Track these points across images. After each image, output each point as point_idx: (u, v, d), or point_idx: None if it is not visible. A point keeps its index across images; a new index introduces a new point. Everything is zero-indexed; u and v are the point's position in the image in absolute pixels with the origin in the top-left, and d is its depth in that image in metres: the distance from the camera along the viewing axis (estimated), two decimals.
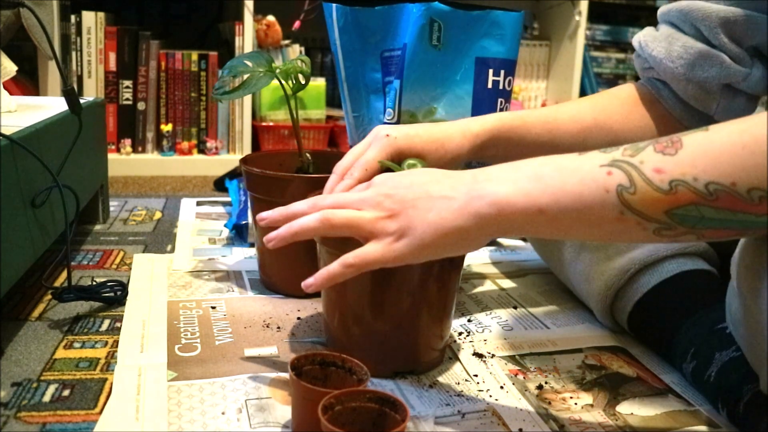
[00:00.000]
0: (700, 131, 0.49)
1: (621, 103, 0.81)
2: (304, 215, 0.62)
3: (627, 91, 0.82)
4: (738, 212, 0.47)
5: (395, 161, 0.71)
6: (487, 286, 1.00)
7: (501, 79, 0.87)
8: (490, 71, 0.86)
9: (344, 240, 0.66)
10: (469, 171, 0.58)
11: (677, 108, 0.78)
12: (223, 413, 0.63)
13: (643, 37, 0.79)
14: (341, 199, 0.62)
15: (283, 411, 0.63)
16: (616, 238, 0.52)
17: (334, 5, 0.91)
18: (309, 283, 0.61)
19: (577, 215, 0.51)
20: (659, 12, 0.78)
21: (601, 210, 0.50)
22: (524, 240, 1.20)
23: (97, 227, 1.19)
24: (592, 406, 0.68)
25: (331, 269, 0.59)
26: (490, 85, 0.86)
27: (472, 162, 0.82)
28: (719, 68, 0.71)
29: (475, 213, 0.54)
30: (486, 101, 0.86)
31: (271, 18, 1.84)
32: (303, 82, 0.87)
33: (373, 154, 0.70)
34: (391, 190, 0.59)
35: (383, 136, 0.71)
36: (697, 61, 0.73)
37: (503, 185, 0.54)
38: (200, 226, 1.22)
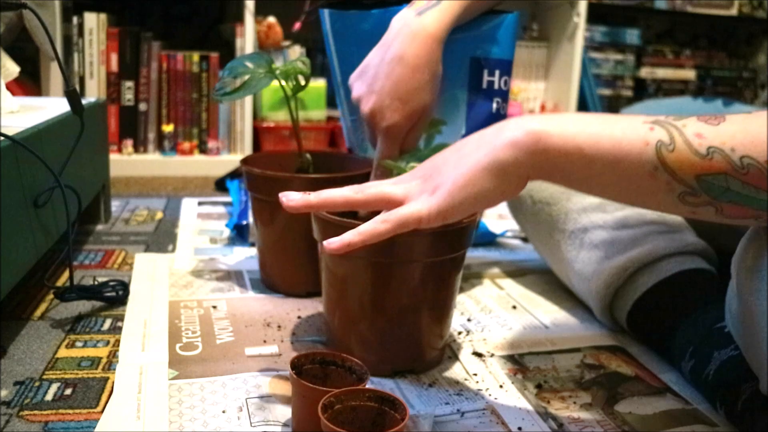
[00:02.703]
0: (744, 113, 0.50)
1: None
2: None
3: None
4: (762, 191, 0.48)
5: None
6: (487, 285, 1.00)
7: (496, 79, 0.86)
8: (485, 71, 0.86)
9: None
10: None
11: None
12: (223, 412, 0.63)
13: None
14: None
15: (283, 410, 0.64)
16: (641, 199, 0.52)
17: (327, 11, 0.91)
18: (335, 240, 0.57)
19: (612, 162, 0.51)
20: None
21: (636, 161, 0.50)
22: (524, 240, 1.21)
23: (99, 227, 1.19)
24: (590, 405, 0.68)
25: (364, 226, 0.57)
26: (485, 86, 0.86)
27: None
28: None
29: (510, 142, 0.53)
30: (481, 101, 0.86)
31: (271, 19, 1.85)
32: (303, 83, 0.87)
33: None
34: (424, 163, 0.60)
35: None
36: None
37: (540, 121, 0.53)
38: (201, 226, 1.23)
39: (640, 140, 0.50)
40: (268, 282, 0.94)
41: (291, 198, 0.61)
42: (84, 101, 1.02)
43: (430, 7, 0.77)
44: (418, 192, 0.57)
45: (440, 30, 0.76)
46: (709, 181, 0.49)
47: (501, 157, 0.53)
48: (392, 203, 0.58)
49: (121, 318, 0.82)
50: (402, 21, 0.77)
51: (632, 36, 2.38)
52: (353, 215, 0.72)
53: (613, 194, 0.54)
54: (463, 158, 0.55)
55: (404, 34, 0.76)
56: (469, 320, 0.87)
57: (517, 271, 1.06)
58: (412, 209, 0.56)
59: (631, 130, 0.51)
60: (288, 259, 0.90)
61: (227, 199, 1.43)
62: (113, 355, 0.73)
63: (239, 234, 1.15)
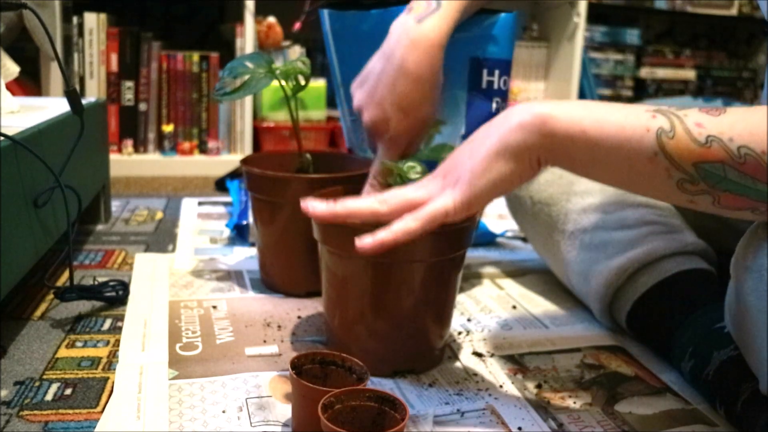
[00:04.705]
0: (745, 107, 0.52)
1: None
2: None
3: None
4: (759, 182, 0.50)
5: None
6: (487, 285, 1.00)
7: (495, 79, 0.86)
8: (484, 71, 0.86)
9: (346, 238, 0.67)
10: None
11: None
12: (223, 412, 0.63)
13: None
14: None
15: (283, 409, 0.64)
16: (642, 185, 0.54)
17: (327, 11, 0.91)
18: (368, 239, 0.59)
19: (614, 146, 0.53)
20: None
21: (637, 146, 0.52)
22: (524, 240, 1.21)
23: (99, 227, 1.19)
24: (590, 405, 0.68)
25: (396, 225, 0.59)
26: (484, 86, 0.86)
27: None
28: None
29: (518, 124, 0.55)
30: (481, 101, 0.86)
31: (271, 19, 1.85)
32: (303, 83, 0.87)
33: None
34: (441, 163, 0.62)
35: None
36: None
37: (548, 105, 0.55)
38: (201, 226, 1.23)
39: (642, 126, 0.52)
40: (268, 282, 0.94)
41: (316, 207, 0.62)
42: (84, 101, 1.02)
43: (429, 14, 0.75)
44: (439, 189, 0.59)
45: (441, 37, 0.75)
46: (707, 169, 0.50)
47: (511, 140, 0.55)
48: (417, 207, 0.60)
49: (121, 318, 0.82)
50: (401, 28, 0.75)
51: (632, 36, 2.38)
52: None
53: (615, 180, 0.55)
54: (477, 148, 0.57)
55: (404, 42, 0.74)
56: (469, 320, 0.87)
57: (517, 271, 1.06)
58: (438, 204, 0.58)
59: (634, 117, 0.53)
60: (288, 259, 0.90)
61: (227, 199, 1.44)
62: (113, 355, 0.73)
63: (239, 234, 1.16)
